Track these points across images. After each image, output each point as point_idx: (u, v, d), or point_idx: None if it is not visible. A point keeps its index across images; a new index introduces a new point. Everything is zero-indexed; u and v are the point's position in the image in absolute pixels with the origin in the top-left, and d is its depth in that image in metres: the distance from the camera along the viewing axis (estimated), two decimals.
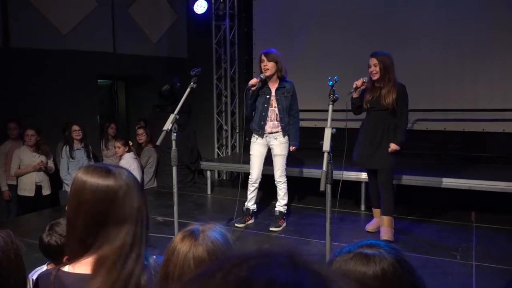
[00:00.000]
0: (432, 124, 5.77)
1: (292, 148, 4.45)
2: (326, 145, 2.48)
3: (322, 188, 2.45)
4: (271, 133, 4.42)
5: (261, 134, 4.46)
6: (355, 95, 4.05)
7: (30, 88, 5.76)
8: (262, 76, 4.30)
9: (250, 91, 4.32)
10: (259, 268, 0.43)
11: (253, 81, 4.30)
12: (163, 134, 3.27)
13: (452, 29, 5.62)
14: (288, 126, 4.41)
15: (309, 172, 5.45)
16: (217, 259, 1.14)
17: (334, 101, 2.89)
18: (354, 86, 3.94)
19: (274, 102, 4.38)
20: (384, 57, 3.94)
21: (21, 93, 5.69)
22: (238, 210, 4.56)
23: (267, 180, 4.63)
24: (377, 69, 3.92)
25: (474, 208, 4.95)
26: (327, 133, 2.53)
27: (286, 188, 4.57)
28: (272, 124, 4.41)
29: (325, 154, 2.48)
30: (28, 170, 5.24)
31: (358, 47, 5.89)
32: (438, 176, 4.80)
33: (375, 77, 3.96)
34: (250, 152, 4.58)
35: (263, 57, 4.31)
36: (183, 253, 1.19)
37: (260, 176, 4.59)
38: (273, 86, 4.39)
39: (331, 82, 2.98)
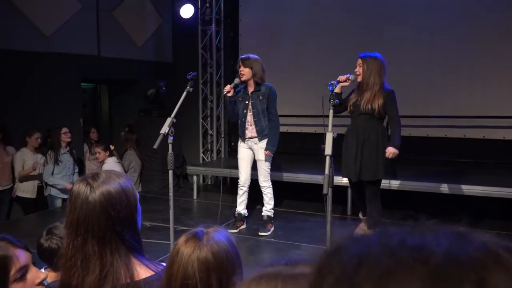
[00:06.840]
0: (414, 130, 5.90)
1: (266, 152, 4.42)
2: (328, 149, 2.51)
3: (325, 192, 2.47)
4: (251, 137, 4.48)
5: (243, 139, 4.54)
6: (336, 90, 3.76)
7: (11, 91, 5.62)
8: (236, 81, 4.37)
9: (227, 98, 4.40)
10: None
11: (227, 87, 4.37)
12: (160, 137, 3.26)
13: (436, 38, 5.78)
14: (266, 130, 4.43)
15: (296, 177, 5.49)
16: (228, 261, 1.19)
17: (334, 106, 2.91)
18: (338, 79, 3.73)
19: (250, 106, 4.44)
20: (371, 59, 3.77)
21: (1, 96, 5.54)
22: (221, 215, 4.56)
23: (255, 185, 4.65)
24: (360, 70, 3.78)
25: (461, 213, 5.07)
26: (329, 137, 2.57)
27: (272, 192, 4.60)
28: (251, 128, 4.46)
29: (327, 158, 2.51)
30: (28, 171, 5.33)
31: (343, 52, 5.97)
32: (425, 181, 4.91)
33: (358, 79, 3.81)
34: (238, 156, 4.66)
35: (240, 63, 4.39)
36: (186, 254, 1.20)
37: (249, 179, 4.61)
38: (250, 91, 4.45)
39: (331, 88, 3.00)
